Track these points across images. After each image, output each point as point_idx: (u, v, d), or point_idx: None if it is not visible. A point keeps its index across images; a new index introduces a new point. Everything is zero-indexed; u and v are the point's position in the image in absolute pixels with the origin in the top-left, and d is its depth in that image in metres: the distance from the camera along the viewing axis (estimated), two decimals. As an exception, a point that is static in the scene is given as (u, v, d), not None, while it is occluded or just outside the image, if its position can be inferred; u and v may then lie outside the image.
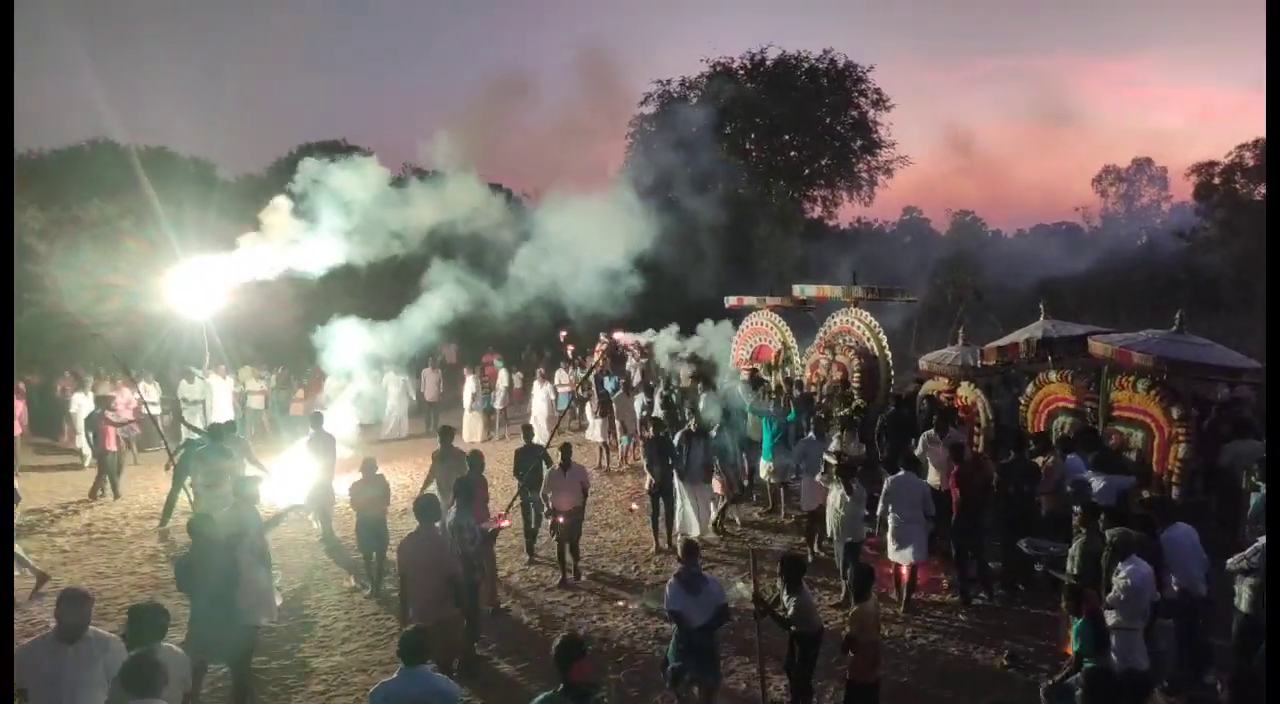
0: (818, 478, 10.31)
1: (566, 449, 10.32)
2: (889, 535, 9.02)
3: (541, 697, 4.54)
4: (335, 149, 32.21)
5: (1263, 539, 6.57)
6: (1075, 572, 6.94)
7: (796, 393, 13.70)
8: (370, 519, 9.73)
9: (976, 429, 11.99)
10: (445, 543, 7.04)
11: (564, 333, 20.45)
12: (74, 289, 19.37)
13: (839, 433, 11.25)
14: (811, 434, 11.00)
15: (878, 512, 9.16)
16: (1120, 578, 6.25)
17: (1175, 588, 6.89)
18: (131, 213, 22.19)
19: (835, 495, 9.04)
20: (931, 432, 10.66)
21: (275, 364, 21.04)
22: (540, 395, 18.34)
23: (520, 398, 20.94)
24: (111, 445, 13.77)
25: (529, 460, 10.66)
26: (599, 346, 19.14)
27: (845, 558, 8.87)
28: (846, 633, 6.23)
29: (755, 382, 13.36)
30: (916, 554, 8.95)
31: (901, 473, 9.10)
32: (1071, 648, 6.10)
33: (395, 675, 4.82)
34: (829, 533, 9.24)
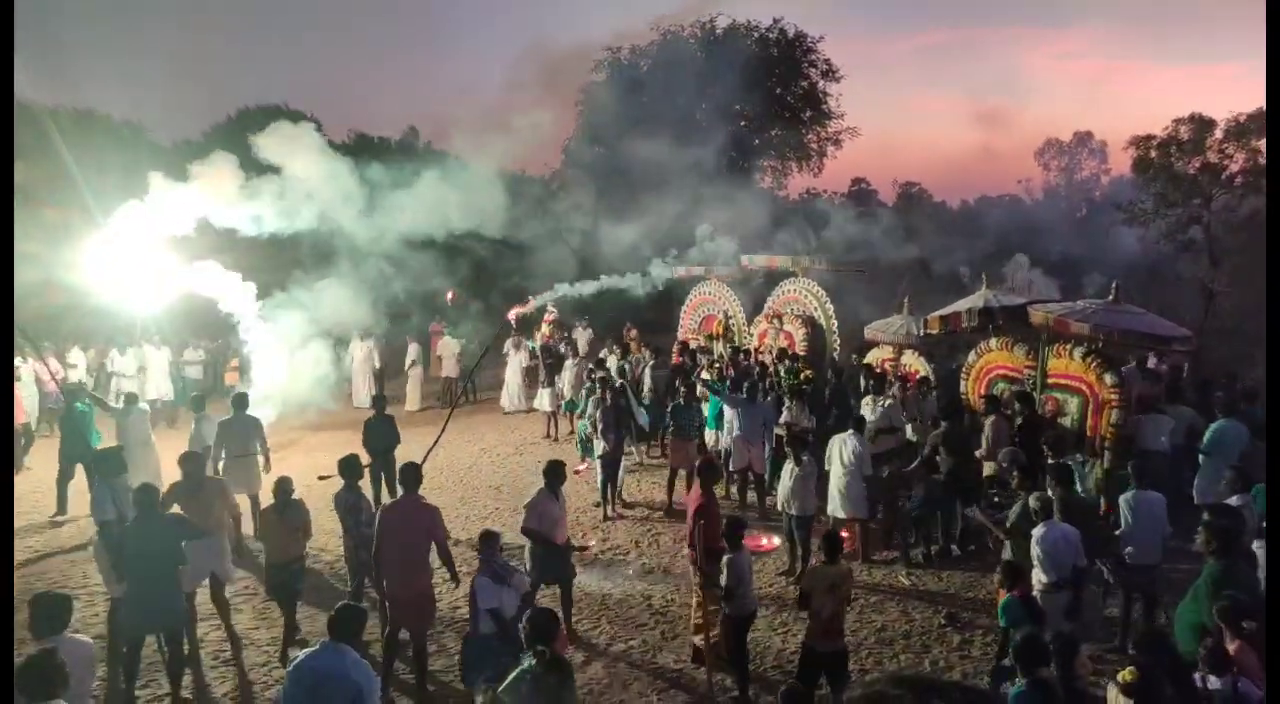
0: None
1: (557, 468, 7.84)
2: (830, 493, 9.24)
3: (515, 673, 4.48)
4: (277, 113, 31.24)
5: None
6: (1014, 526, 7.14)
7: (744, 362, 13.80)
8: (282, 562, 7.25)
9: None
10: (435, 512, 6.78)
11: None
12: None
13: (788, 404, 11.37)
14: (743, 395, 11.07)
15: (822, 470, 9.36)
16: (1033, 541, 6.44)
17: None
18: (59, 177, 21.25)
19: (785, 468, 9.09)
20: (870, 397, 10.94)
21: (216, 334, 20.48)
22: (514, 362, 17.97)
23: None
24: (20, 417, 13.45)
25: (384, 434, 10.45)
26: (547, 316, 19.01)
27: (794, 530, 8.96)
28: (799, 588, 6.29)
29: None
30: (858, 511, 9.18)
31: (849, 433, 9.33)
32: (999, 621, 6.24)
33: (317, 648, 4.68)
34: (779, 505, 9.29)
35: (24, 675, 4.02)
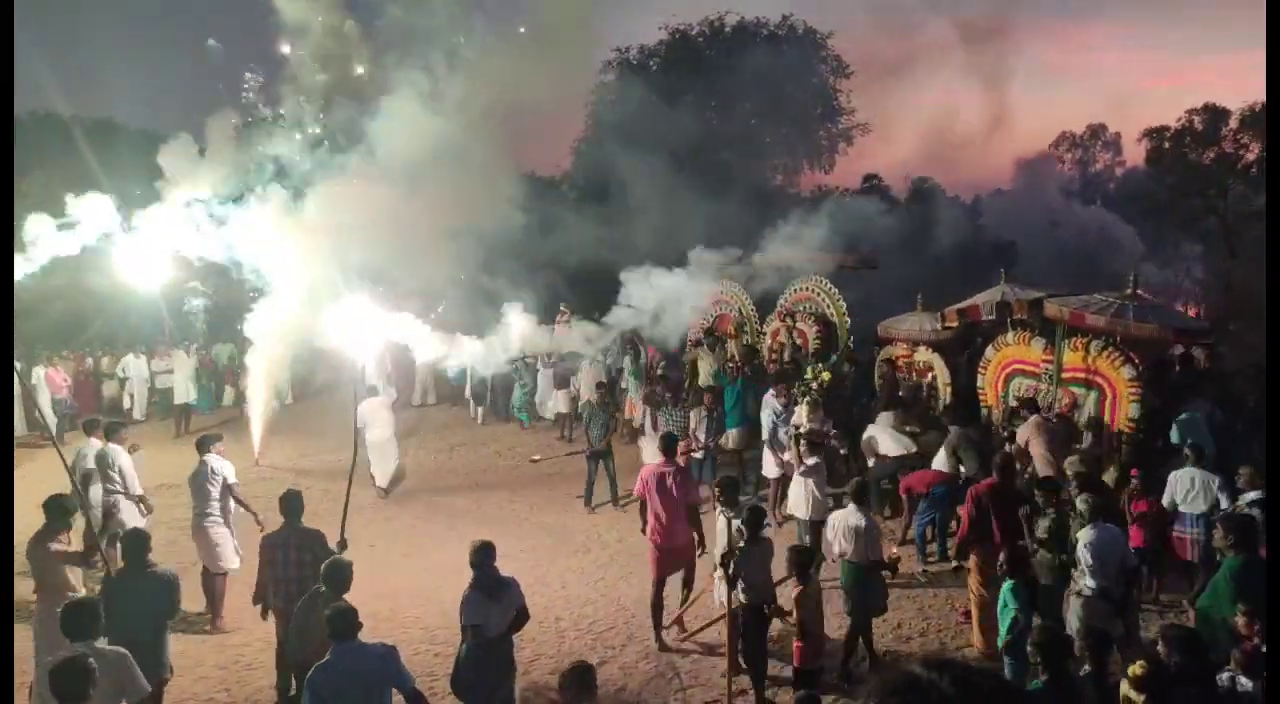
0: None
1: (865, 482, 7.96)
2: None
3: None
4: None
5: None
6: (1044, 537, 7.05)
7: (755, 361, 13.77)
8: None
9: (934, 393, 12.13)
10: (690, 475, 8.20)
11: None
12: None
13: (801, 406, 11.25)
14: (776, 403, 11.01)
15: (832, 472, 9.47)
16: (1080, 545, 6.25)
17: None
18: (78, 185, 21.42)
19: (796, 473, 9.01)
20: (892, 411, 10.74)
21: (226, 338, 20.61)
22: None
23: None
24: None
25: None
26: (560, 316, 19.02)
27: (803, 535, 8.85)
28: (796, 616, 6.19)
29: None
30: None
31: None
32: (1003, 607, 6.11)
33: (328, 655, 4.70)
34: (788, 509, 9.20)
35: (55, 676, 4.05)
